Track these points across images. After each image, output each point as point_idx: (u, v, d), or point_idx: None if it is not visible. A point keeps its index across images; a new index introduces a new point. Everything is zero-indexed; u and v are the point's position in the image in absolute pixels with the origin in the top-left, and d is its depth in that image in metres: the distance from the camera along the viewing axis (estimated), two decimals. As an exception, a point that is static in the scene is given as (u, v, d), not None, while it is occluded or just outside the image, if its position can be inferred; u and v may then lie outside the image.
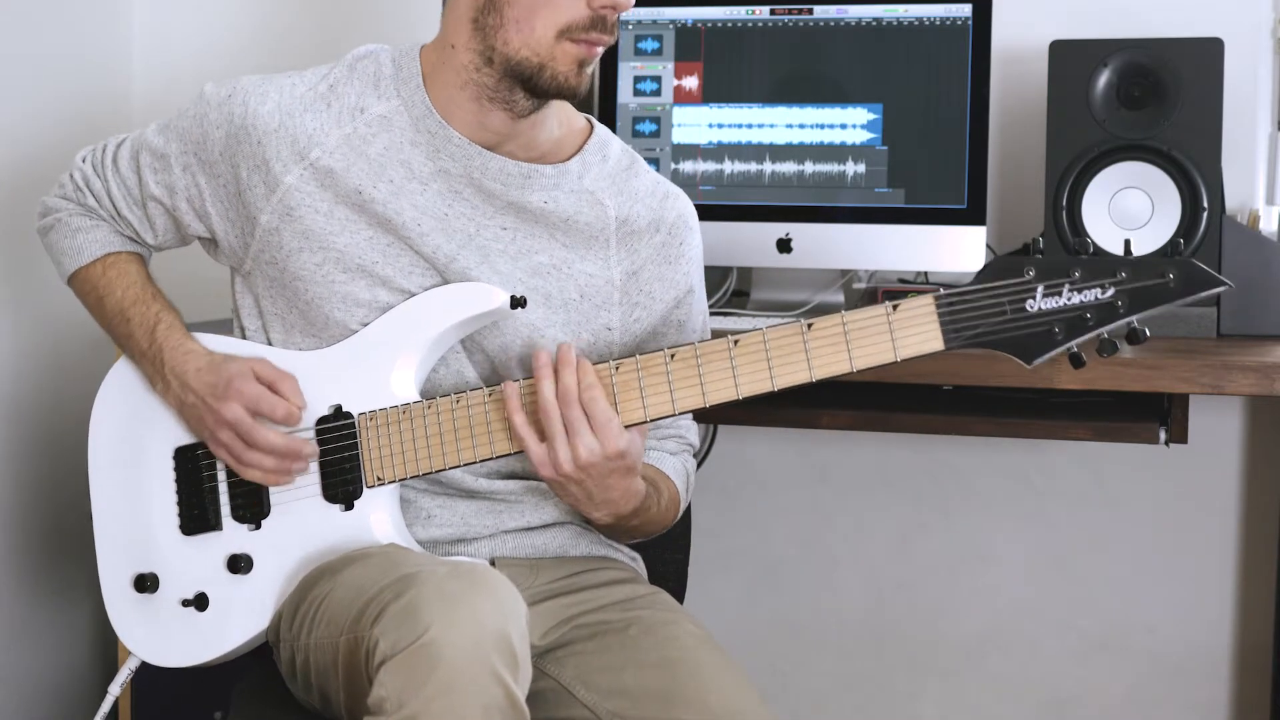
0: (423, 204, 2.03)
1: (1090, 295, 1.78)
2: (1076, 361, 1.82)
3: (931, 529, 3.05)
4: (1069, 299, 1.78)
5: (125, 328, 2.15)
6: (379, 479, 2.03)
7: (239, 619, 2.08)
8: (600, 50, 1.98)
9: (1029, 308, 1.79)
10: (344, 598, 1.88)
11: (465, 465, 2.00)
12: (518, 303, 2.01)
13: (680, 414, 1.94)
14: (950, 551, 3.04)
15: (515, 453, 1.98)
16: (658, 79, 2.78)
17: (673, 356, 1.92)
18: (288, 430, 2.04)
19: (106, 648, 3.08)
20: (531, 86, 1.97)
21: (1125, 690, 2.99)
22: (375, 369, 2.03)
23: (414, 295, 2.03)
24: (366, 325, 2.04)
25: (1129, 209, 2.58)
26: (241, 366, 2.04)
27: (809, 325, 1.87)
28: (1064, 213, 2.58)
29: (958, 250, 2.67)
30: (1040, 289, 1.79)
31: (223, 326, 2.20)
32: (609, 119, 2.79)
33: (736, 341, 1.90)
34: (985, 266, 1.83)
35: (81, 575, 2.96)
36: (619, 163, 2.12)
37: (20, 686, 2.92)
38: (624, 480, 1.96)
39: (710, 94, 2.77)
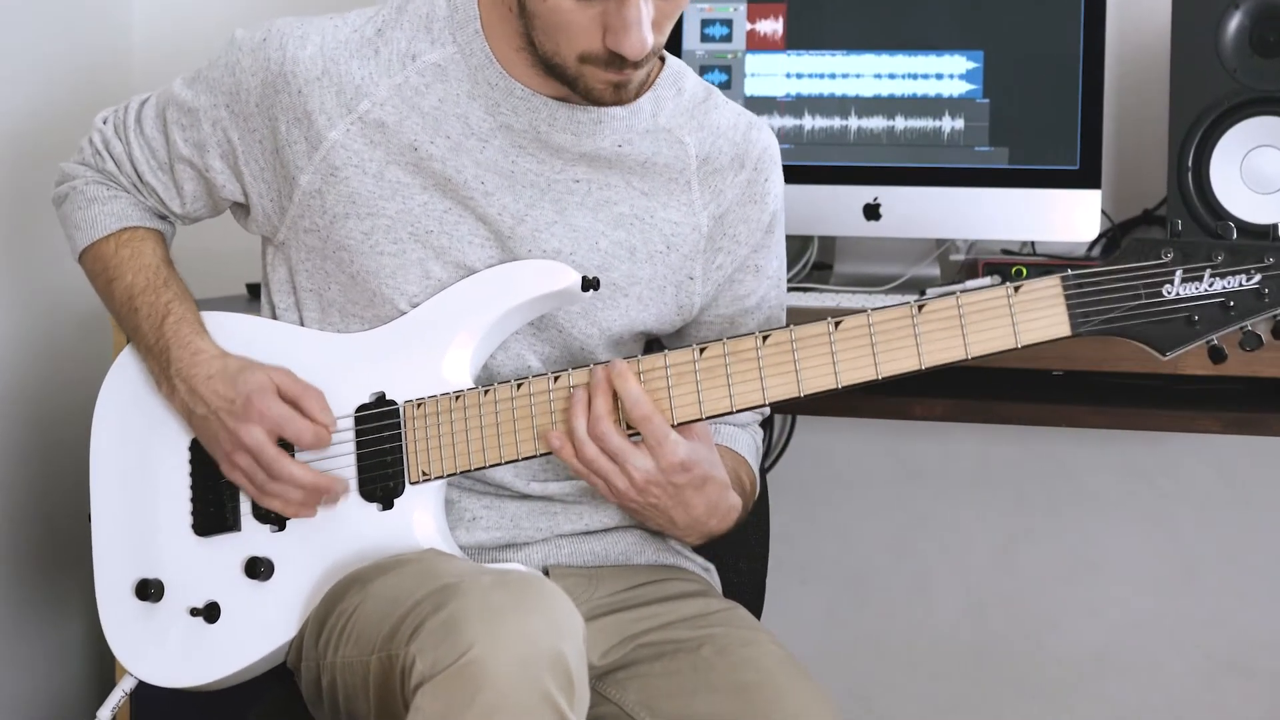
0: (485, 161, 2.02)
1: (1234, 282, 1.79)
2: (1217, 355, 1.82)
3: (1038, 534, 3.04)
4: (1210, 285, 1.80)
5: (133, 319, 2.13)
6: (424, 474, 2.01)
7: (255, 633, 2.06)
8: (631, 74, 1.95)
9: (1166, 293, 1.80)
10: (376, 611, 1.86)
11: (524, 459, 1.98)
12: (590, 284, 2.00)
13: (770, 404, 1.92)
14: (1059, 560, 3.04)
15: None
16: (728, 22, 2.78)
17: (765, 339, 1.91)
18: (317, 455, 2.03)
19: (103, 666, 3.09)
20: (571, 88, 1.97)
21: (1259, 718, 2.97)
22: (426, 352, 2.01)
23: (471, 270, 2.02)
24: (417, 304, 2.03)
25: (1263, 170, 2.57)
26: (261, 380, 2.02)
27: (920, 306, 1.86)
28: (1189, 175, 2.57)
29: (1069, 217, 2.66)
30: (1179, 273, 1.80)
31: (232, 305, 2.18)
32: (672, 68, 2.77)
33: (838, 324, 1.89)
34: (1120, 249, 1.83)
35: (75, 583, 2.96)
36: (694, 95, 2.11)
37: (4, 709, 2.91)
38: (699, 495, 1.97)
39: (793, 39, 2.74)
